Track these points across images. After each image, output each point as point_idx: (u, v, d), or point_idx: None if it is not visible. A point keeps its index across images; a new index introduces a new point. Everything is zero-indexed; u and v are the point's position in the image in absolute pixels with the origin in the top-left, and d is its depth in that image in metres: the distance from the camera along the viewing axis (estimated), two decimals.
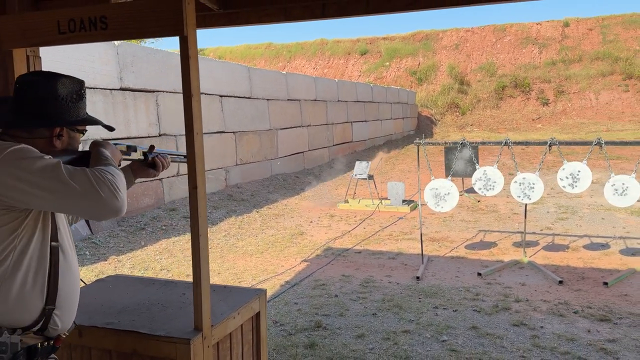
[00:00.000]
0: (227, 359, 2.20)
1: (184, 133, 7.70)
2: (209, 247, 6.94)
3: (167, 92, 8.00)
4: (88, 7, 1.94)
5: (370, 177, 9.06)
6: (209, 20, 2.53)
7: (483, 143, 5.62)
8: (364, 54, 30.55)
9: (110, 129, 1.79)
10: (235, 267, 5.75)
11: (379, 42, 31.34)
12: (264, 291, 2.49)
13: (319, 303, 4.59)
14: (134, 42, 8.68)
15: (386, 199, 9.03)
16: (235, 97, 9.97)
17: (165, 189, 7.99)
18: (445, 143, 5.73)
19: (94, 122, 1.73)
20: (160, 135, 7.85)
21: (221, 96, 9.53)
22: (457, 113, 24.74)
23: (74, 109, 1.65)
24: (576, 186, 5.11)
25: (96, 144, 1.74)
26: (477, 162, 5.53)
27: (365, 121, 17.09)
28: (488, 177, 5.35)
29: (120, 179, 1.53)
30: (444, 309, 4.41)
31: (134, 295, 2.39)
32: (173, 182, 8.17)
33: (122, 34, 1.93)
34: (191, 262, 6.31)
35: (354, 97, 16.19)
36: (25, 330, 1.55)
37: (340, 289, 4.95)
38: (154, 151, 2.06)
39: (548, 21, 28.40)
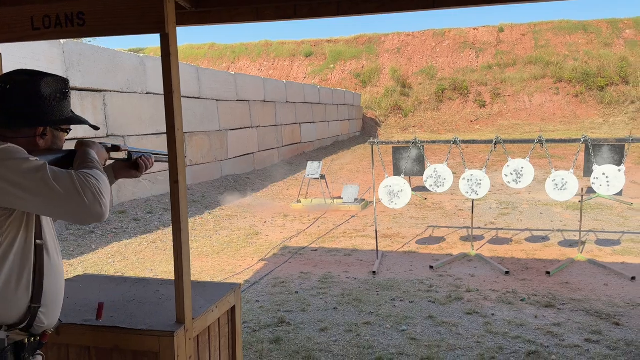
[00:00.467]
0: (206, 351, 2.24)
1: (132, 134, 7.66)
2: (163, 249, 6.83)
3: (114, 91, 7.80)
4: (64, 3, 1.93)
5: (323, 176, 9.20)
6: (180, 18, 2.55)
7: (433, 142, 5.87)
8: (309, 56, 30.77)
9: (96, 128, 1.80)
10: (192, 269, 5.70)
11: (323, 44, 31.68)
12: (238, 285, 2.53)
13: (280, 300, 4.65)
14: (79, 40, 8.40)
15: (339, 198, 9.20)
16: (184, 97, 9.83)
17: (113, 191, 7.79)
18: (398, 142, 5.94)
19: (79, 121, 1.73)
20: (107, 136, 7.64)
21: None
22: (400, 115, 25.40)
23: (58, 108, 1.65)
24: (520, 182, 5.44)
25: (82, 144, 1.74)
26: (427, 160, 5.77)
27: (313, 122, 17.25)
28: (438, 174, 5.60)
29: (105, 184, 1.55)
30: (401, 300, 4.58)
31: (107, 293, 2.37)
32: (122, 184, 7.97)
33: (100, 30, 1.94)
34: (145, 265, 6.23)
35: (301, 99, 16.31)
36: (11, 328, 1.54)
37: (300, 286, 5.03)
38: (137, 150, 2.08)
39: (484, 26, 29.68)
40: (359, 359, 3.46)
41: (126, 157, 2.04)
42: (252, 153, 12.85)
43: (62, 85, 1.68)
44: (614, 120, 21.82)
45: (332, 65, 29.31)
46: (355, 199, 8.99)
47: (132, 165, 2.07)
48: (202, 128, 10.47)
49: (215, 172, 11.03)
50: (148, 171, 2.21)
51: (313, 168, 9.33)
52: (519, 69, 26.09)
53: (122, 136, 7.96)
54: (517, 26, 28.92)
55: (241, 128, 12.27)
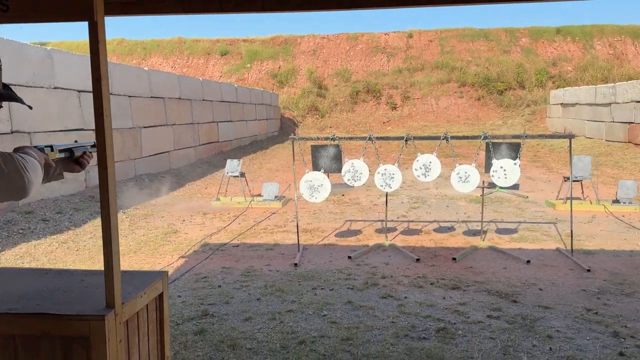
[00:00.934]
0: (135, 336, 2.27)
1: (39, 130, 7.41)
2: (75, 249, 6.62)
3: (19, 85, 7.34)
4: None
5: (242, 174, 9.23)
6: (104, 8, 2.56)
7: (350, 138, 6.15)
8: (225, 54, 30.45)
9: (29, 107, 1.76)
10: None
11: (239, 43, 31.48)
12: (165, 273, 2.58)
13: (203, 294, 4.67)
14: None
15: (259, 195, 9.27)
16: (91, 92, 9.42)
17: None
18: (318, 138, 6.15)
19: (10, 97, 1.70)
20: (12, 132, 7.19)
21: (79, 91, 8.97)
22: (317, 116, 25.86)
23: None
24: (428, 175, 5.85)
25: (19, 149, 1.70)
26: (345, 156, 6.03)
27: (230, 121, 17.14)
28: (355, 169, 5.88)
29: (33, 164, 1.55)
30: (321, 289, 4.78)
31: (29, 284, 2.33)
32: None
33: (25, 17, 1.91)
34: (57, 265, 6.06)
35: (218, 97, 16.16)
36: None
37: (223, 280, 5.08)
38: (65, 146, 2.06)
39: (395, 32, 30.96)
40: (283, 344, 3.60)
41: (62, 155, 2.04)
42: (168, 152, 12.56)
43: None
44: (512, 122, 23.64)
45: (248, 65, 29.21)
46: (276, 196, 9.11)
47: (75, 161, 2.07)
48: (114, 125, 10.08)
49: (128, 171, 10.68)
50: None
51: (232, 166, 9.33)
52: (427, 74, 27.49)
53: (28, 132, 7.52)
54: (425, 32, 30.46)
55: (156, 126, 11.96)
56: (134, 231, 7.27)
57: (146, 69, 11.99)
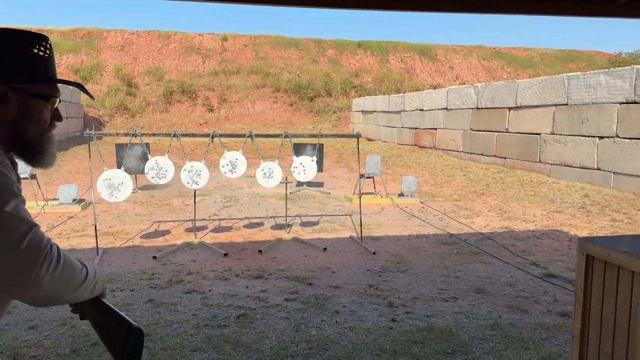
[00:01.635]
0: None
1: None
2: None
3: None
4: None
5: (33, 176, 8.31)
6: None
7: (154, 134, 6.00)
8: None
9: (91, 96, 1.28)
10: None
11: None
12: None
13: None
14: None
15: (54, 199, 8.44)
16: None
17: None
18: (117, 134, 5.87)
19: (64, 80, 1.24)
20: None
21: None
22: (127, 115, 24.41)
23: (32, 62, 1.13)
24: (235, 172, 6.02)
25: None
26: (150, 154, 5.88)
27: None
28: (160, 166, 5.76)
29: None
30: (121, 290, 4.59)
31: None
32: None
33: None
34: None
35: None
36: None
37: None
38: None
39: (209, 33, 30.80)
40: (73, 348, 3.40)
41: None
42: None
43: (38, 40, 1.15)
44: (321, 127, 25.29)
45: None
46: (74, 200, 8.40)
47: None
48: None
49: None
50: None
51: (20, 167, 8.33)
52: (243, 78, 27.92)
53: None
54: (239, 37, 30.90)
55: None
56: None
57: None
